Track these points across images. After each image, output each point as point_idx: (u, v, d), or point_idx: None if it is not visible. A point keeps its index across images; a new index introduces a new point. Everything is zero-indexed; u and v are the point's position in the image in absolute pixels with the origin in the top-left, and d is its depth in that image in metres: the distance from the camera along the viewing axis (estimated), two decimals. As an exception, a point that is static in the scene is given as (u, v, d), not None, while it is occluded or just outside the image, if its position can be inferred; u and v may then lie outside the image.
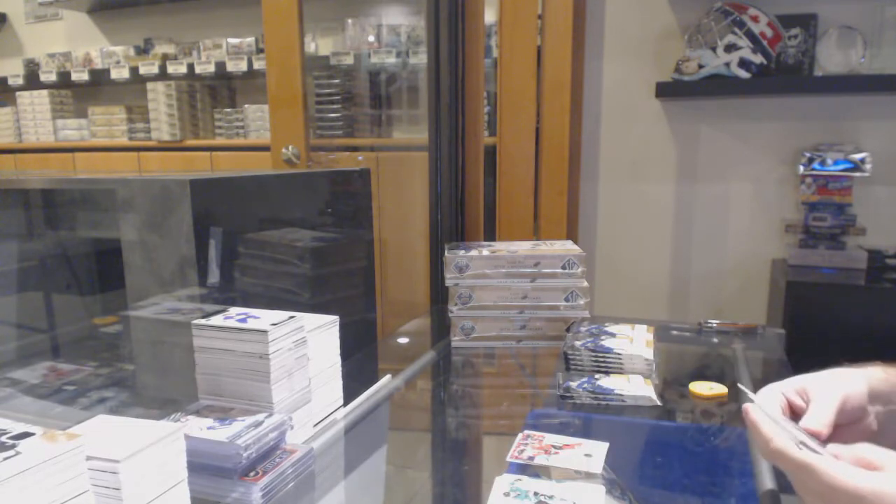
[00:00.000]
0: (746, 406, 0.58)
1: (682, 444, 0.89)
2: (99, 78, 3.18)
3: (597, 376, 1.02)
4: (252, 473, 0.70)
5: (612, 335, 1.11)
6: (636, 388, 0.97)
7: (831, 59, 1.91)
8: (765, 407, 0.59)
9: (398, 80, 2.74)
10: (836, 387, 0.63)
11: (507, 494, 0.63)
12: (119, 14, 3.30)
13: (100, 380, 1.03)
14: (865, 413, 0.64)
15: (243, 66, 2.91)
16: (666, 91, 1.97)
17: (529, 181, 1.86)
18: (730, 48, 1.85)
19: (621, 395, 0.96)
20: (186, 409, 0.77)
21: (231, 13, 3.02)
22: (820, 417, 0.61)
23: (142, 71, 3.06)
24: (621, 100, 2.15)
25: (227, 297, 0.87)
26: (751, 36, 1.84)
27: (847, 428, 0.63)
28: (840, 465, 0.50)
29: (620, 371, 1.03)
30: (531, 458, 0.70)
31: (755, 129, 2.05)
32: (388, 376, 1.07)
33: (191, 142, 3.01)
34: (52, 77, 3.25)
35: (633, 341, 1.08)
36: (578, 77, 2.13)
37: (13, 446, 0.48)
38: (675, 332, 1.38)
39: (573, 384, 0.99)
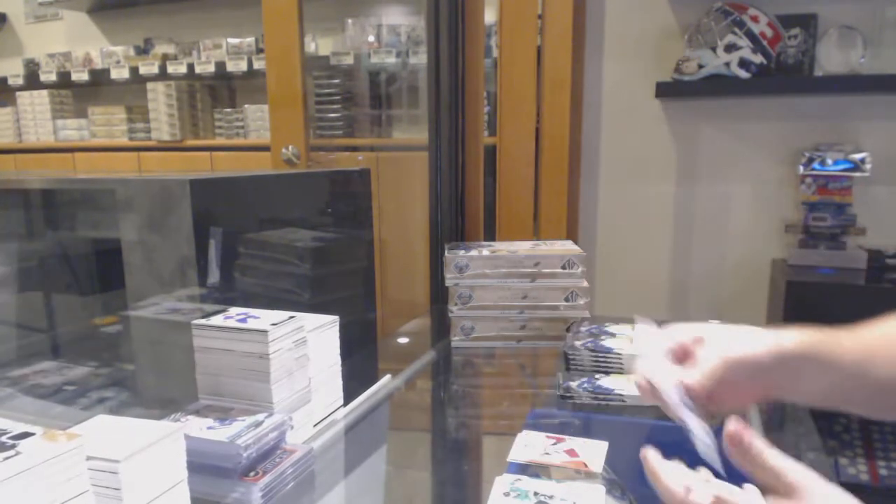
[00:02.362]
0: (644, 454, 0.55)
1: (682, 444, 0.89)
2: (99, 78, 3.18)
3: (597, 376, 1.02)
4: (252, 473, 0.70)
5: (612, 335, 1.11)
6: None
7: (831, 59, 1.91)
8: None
9: (398, 80, 2.74)
10: (730, 346, 0.62)
11: (507, 494, 0.63)
12: (119, 14, 3.30)
13: (100, 380, 1.03)
14: (768, 375, 0.61)
15: (243, 66, 2.91)
16: (666, 91, 1.97)
17: (529, 181, 1.86)
18: (730, 48, 1.85)
19: (621, 395, 0.96)
20: (186, 409, 0.77)
21: (231, 13, 3.02)
22: (698, 374, 0.62)
23: (142, 71, 3.06)
24: (621, 100, 2.15)
25: (227, 297, 0.87)
26: (751, 36, 1.84)
27: (746, 385, 0.62)
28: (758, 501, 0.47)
29: (620, 371, 1.03)
30: (531, 459, 0.70)
31: (755, 129, 2.05)
32: (388, 376, 1.07)
33: (191, 142, 3.01)
34: (52, 77, 3.25)
35: (633, 341, 1.08)
36: (578, 77, 2.13)
37: (13, 446, 0.48)
38: (675, 332, 1.37)
39: (573, 384, 0.99)
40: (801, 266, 1.87)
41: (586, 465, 0.68)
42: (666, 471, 0.53)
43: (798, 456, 0.81)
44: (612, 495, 0.66)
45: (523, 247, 1.30)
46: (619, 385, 0.98)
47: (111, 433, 0.57)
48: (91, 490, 0.51)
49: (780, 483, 0.47)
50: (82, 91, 3.37)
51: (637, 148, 2.16)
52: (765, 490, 0.49)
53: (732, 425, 0.50)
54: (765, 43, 1.84)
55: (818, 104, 1.97)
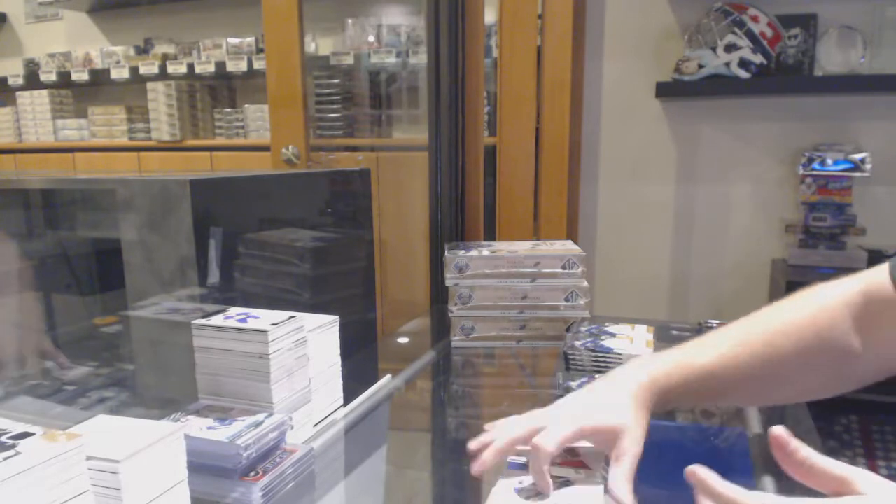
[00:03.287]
0: (692, 470, 0.53)
1: (682, 444, 0.89)
2: (99, 78, 3.18)
3: (597, 376, 1.02)
4: (252, 473, 0.70)
5: (612, 335, 1.11)
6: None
7: (831, 59, 1.91)
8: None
9: (398, 80, 2.74)
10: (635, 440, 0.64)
11: (507, 494, 0.63)
12: (119, 14, 3.30)
13: (100, 380, 1.03)
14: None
15: (243, 66, 2.91)
16: (666, 91, 1.97)
17: (529, 181, 1.86)
18: (730, 48, 1.85)
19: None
20: (186, 409, 0.77)
21: (231, 13, 3.02)
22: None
23: (142, 71, 3.06)
24: (621, 100, 2.15)
25: (227, 297, 0.87)
26: (751, 36, 1.84)
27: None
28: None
29: (620, 371, 1.03)
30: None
31: (755, 129, 2.05)
32: (388, 376, 1.07)
33: (191, 142, 3.01)
34: (52, 77, 3.25)
35: (633, 341, 1.08)
36: (578, 77, 2.13)
37: (13, 446, 0.48)
38: (675, 332, 1.38)
39: (573, 384, 0.99)
40: (801, 266, 1.87)
41: (586, 465, 0.68)
42: (716, 478, 0.52)
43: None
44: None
45: (523, 247, 1.30)
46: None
47: (111, 433, 0.57)
48: (91, 490, 0.51)
49: (830, 480, 0.48)
50: (82, 91, 3.37)
51: (637, 148, 2.16)
52: (813, 492, 0.49)
53: (777, 431, 0.50)
54: (765, 43, 1.84)
55: (818, 104, 1.97)
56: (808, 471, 0.49)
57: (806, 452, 0.49)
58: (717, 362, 0.70)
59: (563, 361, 1.07)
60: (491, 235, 1.88)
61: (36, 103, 3.29)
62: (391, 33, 2.67)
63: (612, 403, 0.66)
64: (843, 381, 0.71)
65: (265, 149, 2.30)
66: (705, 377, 0.69)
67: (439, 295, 1.62)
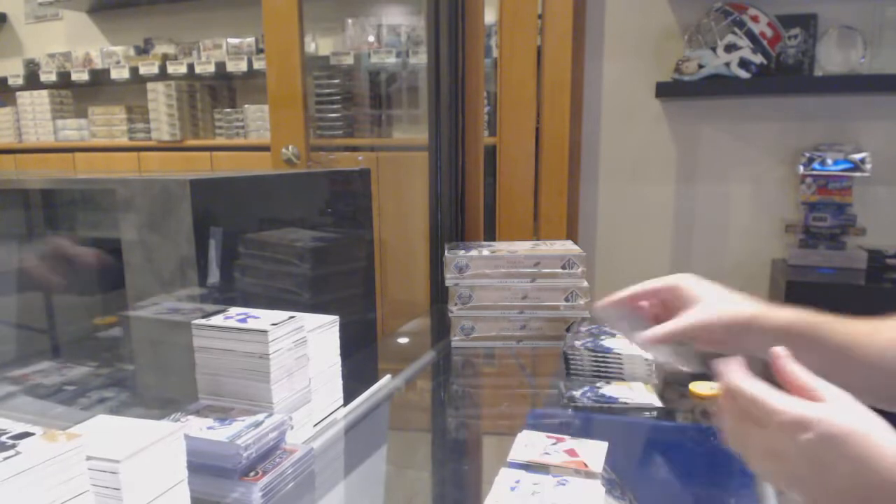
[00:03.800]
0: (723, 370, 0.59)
1: (682, 444, 0.89)
2: (99, 78, 3.18)
3: (598, 384, 1.02)
4: (252, 473, 0.70)
5: (612, 335, 1.11)
6: (639, 395, 0.97)
7: (831, 59, 1.91)
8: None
9: (398, 80, 2.74)
10: (708, 311, 0.82)
11: (506, 494, 0.63)
12: (119, 14, 3.30)
13: (100, 380, 1.03)
14: (749, 341, 0.74)
15: (243, 66, 2.91)
16: (666, 91, 1.97)
17: (529, 181, 1.86)
18: (730, 48, 1.85)
19: (626, 401, 0.96)
20: (186, 409, 0.77)
21: (231, 13, 3.02)
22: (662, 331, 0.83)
23: (142, 71, 3.06)
24: (621, 100, 2.15)
25: (227, 297, 0.87)
26: (751, 36, 1.84)
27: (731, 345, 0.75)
28: (785, 397, 0.53)
29: (620, 372, 1.03)
30: (531, 459, 0.70)
31: (755, 129, 2.05)
32: (388, 376, 1.07)
33: (191, 142, 3.01)
34: (52, 77, 3.25)
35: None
36: (578, 77, 2.13)
37: (13, 446, 0.48)
38: (675, 332, 1.37)
39: (576, 393, 0.99)
40: (801, 266, 1.87)
41: (586, 465, 0.68)
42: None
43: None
44: (612, 495, 0.66)
45: (523, 247, 1.30)
46: (623, 393, 0.98)
47: (111, 433, 0.57)
48: (91, 490, 0.51)
49: (807, 391, 0.54)
50: (82, 91, 3.37)
51: (637, 148, 2.16)
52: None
53: (777, 350, 0.57)
54: (765, 43, 1.84)
55: (818, 104, 1.97)
56: (794, 383, 0.55)
57: (793, 367, 0.56)
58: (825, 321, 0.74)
59: (563, 361, 1.07)
60: (491, 235, 1.88)
61: (36, 103, 3.29)
62: (391, 33, 2.67)
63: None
64: None
65: (265, 149, 2.30)
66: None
67: (439, 295, 1.62)
